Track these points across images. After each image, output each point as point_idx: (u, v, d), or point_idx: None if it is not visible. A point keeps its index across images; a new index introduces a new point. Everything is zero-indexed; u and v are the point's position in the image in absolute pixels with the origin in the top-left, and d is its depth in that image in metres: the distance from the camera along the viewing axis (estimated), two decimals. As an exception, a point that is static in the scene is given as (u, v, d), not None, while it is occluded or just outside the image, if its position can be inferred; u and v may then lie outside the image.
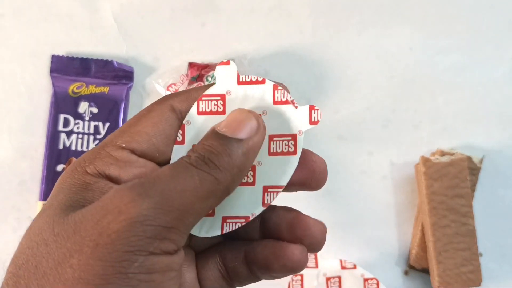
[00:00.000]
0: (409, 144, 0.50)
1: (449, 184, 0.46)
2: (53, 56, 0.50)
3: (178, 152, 0.24)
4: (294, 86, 0.51)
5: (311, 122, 0.24)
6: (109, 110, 0.49)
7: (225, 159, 0.22)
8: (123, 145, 0.23)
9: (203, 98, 0.25)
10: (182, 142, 0.25)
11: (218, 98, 0.25)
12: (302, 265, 0.24)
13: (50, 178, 0.49)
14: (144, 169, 0.23)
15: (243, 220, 0.24)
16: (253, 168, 0.24)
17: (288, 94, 0.25)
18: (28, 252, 0.20)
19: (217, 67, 0.25)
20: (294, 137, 0.24)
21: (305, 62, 0.51)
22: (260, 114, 0.24)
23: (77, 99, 0.49)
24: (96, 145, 0.49)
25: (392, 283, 0.49)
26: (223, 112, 0.25)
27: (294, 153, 0.24)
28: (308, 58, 0.51)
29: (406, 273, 0.50)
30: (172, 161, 0.24)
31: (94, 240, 0.19)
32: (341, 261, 0.48)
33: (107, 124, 0.49)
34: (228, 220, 0.24)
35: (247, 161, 0.23)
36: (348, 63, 0.51)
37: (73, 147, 0.49)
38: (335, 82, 0.51)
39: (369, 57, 0.51)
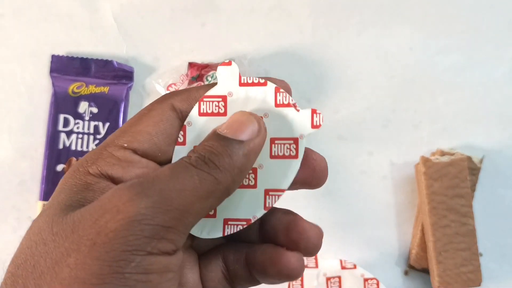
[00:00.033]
0: (409, 144, 0.50)
1: (449, 184, 0.46)
2: (53, 56, 0.50)
3: (179, 153, 0.24)
4: (294, 86, 0.50)
5: (313, 126, 0.24)
6: (109, 110, 0.49)
7: (226, 159, 0.22)
8: (125, 145, 0.23)
9: (205, 99, 0.25)
10: (183, 143, 0.25)
11: (220, 99, 0.25)
12: (297, 273, 0.24)
13: (50, 178, 0.49)
14: (146, 170, 0.23)
15: (245, 223, 0.24)
16: (255, 171, 0.24)
17: (290, 97, 0.25)
18: (27, 252, 0.20)
19: (219, 68, 0.25)
20: (296, 140, 0.24)
21: (305, 62, 0.51)
22: (261, 117, 0.24)
23: (77, 99, 0.49)
24: (96, 145, 0.49)
25: (392, 283, 0.49)
26: (225, 114, 0.25)
27: (296, 157, 0.24)
28: (308, 58, 0.51)
29: (406, 273, 0.50)
30: (173, 162, 0.24)
31: (92, 239, 0.19)
32: (341, 261, 0.48)
33: (107, 124, 0.49)
34: (229, 222, 0.24)
35: (248, 163, 0.22)
36: (348, 63, 0.51)
37: (73, 147, 0.49)
38: (335, 82, 0.51)
39: (369, 57, 0.51)
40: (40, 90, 0.50)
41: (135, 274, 0.19)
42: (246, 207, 0.24)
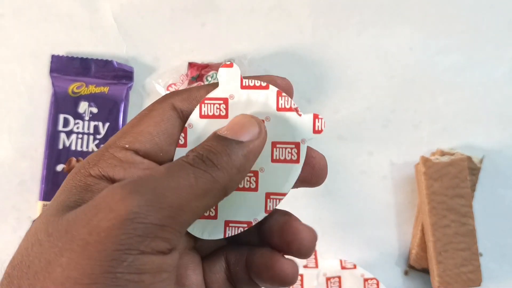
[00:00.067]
0: (409, 144, 0.50)
1: (449, 184, 0.46)
2: (53, 56, 0.50)
3: (180, 155, 0.24)
4: (294, 86, 0.50)
5: (315, 131, 0.24)
6: (109, 110, 0.49)
7: (224, 158, 0.21)
8: (127, 146, 0.23)
9: (206, 101, 0.25)
10: (185, 145, 0.25)
11: (221, 102, 0.25)
12: (290, 280, 0.24)
13: (50, 178, 0.49)
14: (147, 170, 0.23)
15: (246, 225, 0.24)
16: (256, 174, 0.24)
17: (292, 101, 0.25)
18: (23, 253, 0.20)
19: (220, 69, 0.25)
20: (297, 145, 0.24)
21: (305, 62, 0.51)
22: (263, 120, 0.24)
23: (77, 99, 0.49)
24: (96, 145, 0.49)
25: (392, 283, 0.49)
26: (226, 116, 0.25)
27: (297, 161, 0.24)
28: (308, 58, 0.51)
29: (406, 273, 0.50)
30: None
31: (84, 239, 0.19)
32: (341, 261, 0.48)
33: (107, 124, 0.49)
34: (230, 224, 0.24)
35: (247, 163, 0.22)
36: (348, 63, 0.51)
37: (73, 147, 0.49)
38: (335, 82, 0.51)
39: (369, 57, 0.51)
40: (40, 90, 0.50)
41: (127, 274, 0.18)
42: (247, 209, 0.24)
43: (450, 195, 0.46)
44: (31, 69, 0.50)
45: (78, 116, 0.49)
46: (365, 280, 0.47)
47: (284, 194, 0.24)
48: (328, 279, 0.48)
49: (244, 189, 0.24)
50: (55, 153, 0.49)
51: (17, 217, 0.49)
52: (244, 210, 0.24)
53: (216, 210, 0.25)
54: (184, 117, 0.25)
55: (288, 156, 0.24)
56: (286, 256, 0.25)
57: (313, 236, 0.25)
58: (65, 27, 0.51)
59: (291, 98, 0.25)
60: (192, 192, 0.20)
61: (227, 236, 0.24)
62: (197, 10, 0.51)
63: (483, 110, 0.51)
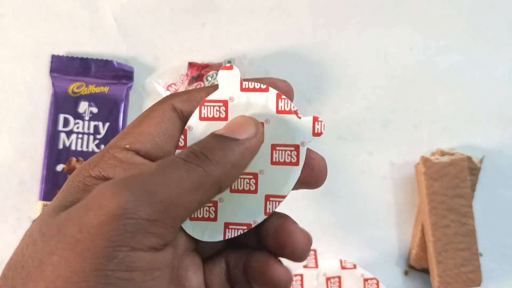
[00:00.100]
0: (409, 144, 0.50)
1: (449, 184, 0.46)
2: (53, 56, 0.50)
3: None
4: (294, 86, 0.50)
5: (314, 134, 0.24)
6: (109, 110, 0.49)
7: (218, 153, 0.21)
8: (127, 146, 0.23)
9: (206, 104, 0.25)
10: (184, 147, 0.25)
11: (221, 104, 0.25)
12: (283, 286, 0.24)
13: (50, 178, 0.49)
14: (141, 167, 0.23)
15: (245, 227, 0.24)
16: (256, 176, 0.24)
17: (292, 104, 0.25)
18: (19, 253, 0.20)
19: (220, 71, 0.25)
20: (297, 147, 0.24)
21: (305, 62, 0.51)
22: (262, 123, 0.24)
23: (77, 99, 0.49)
24: (96, 145, 0.49)
25: (392, 283, 0.49)
26: (225, 119, 0.25)
27: (297, 164, 0.24)
28: (308, 58, 0.51)
29: (406, 273, 0.50)
30: None
31: (74, 237, 0.19)
32: (341, 261, 0.48)
33: (107, 124, 0.49)
34: (230, 226, 0.24)
35: (242, 160, 0.22)
36: (348, 63, 0.51)
37: (73, 147, 0.49)
38: (335, 82, 0.51)
39: (369, 57, 0.51)
40: (40, 90, 0.50)
41: (117, 272, 0.18)
42: (247, 211, 0.24)
43: (450, 195, 0.46)
44: (31, 69, 0.50)
45: (78, 116, 0.49)
46: (365, 280, 0.47)
47: (283, 196, 0.24)
48: (328, 279, 0.48)
49: (244, 191, 0.24)
50: (55, 153, 0.49)
51: (17, 217, 0.49)
52: (244, 212, 0.24)
53: (216, 212, 0.25)
54: (184, 118, 0.25)
55: (288, 158, 0.24)
56: (282, 261, 0.25)
57: (307, 239, 0.25)
58: (65, 27, 0.51)
59: (291, 100, 0.25)
60: (183, 186, 0.20)
61: (226, 238, 0.24)
62: (197, 10, 0.51)
63: (483, 110, 0.51)
